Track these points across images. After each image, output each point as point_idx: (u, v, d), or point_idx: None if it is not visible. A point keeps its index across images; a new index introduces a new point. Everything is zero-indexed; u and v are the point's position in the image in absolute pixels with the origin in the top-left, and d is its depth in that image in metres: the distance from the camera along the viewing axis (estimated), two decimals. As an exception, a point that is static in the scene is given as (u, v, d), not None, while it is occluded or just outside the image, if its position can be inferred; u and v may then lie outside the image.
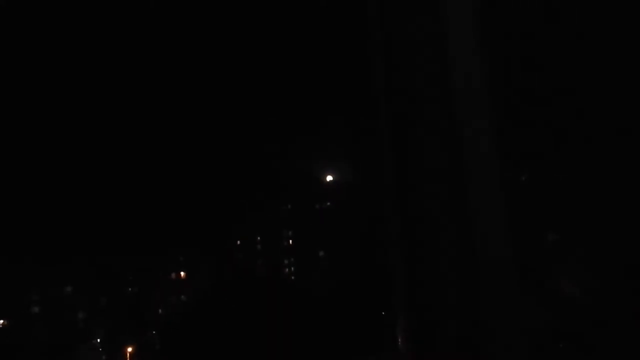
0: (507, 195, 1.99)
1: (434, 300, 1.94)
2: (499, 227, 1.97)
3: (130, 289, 38.19)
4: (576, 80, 2.59)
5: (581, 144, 2.64)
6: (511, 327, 1.90)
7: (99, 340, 35.78)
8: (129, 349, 34.36)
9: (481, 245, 1.94)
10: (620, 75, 2.49)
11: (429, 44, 2.07)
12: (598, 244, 2.54)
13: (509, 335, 1.90)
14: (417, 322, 1.96)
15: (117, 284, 37.77)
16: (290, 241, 39.65)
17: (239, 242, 40.08)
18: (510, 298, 1.92)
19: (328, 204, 37.19)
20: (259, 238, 40.22)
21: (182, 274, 38.99)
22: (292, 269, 38.96)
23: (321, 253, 37.40)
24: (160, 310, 37.35)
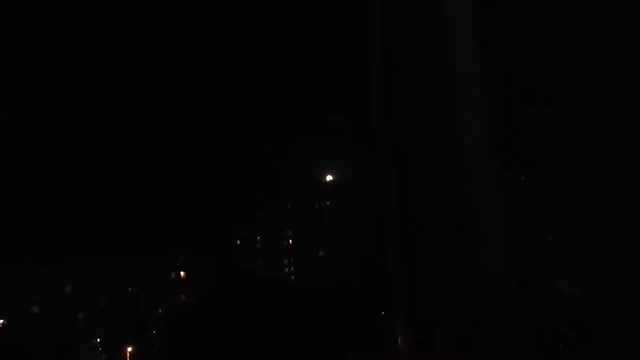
0: (506, 196, 1.99)
1: (433, 300, 1.94)
2: (498, 227, 1.97)
3: (130, 289, 38.19)
4: (575, 81, 2.59)
5: (580, 145, 2.64)
6: (510, 327, 1.90)
7: (98, 340, 35.77)
8: (129, 349, 34.36)
9: (480, 245, 1.94)
10: (620, 76, 2.49)
11: (429, 44, 2.07)
12: (597, 244, 2.55)
13: (508, 335, 1.90)
14: (417, 322, 1.97)
15: (117, 284, 37.77)
16: (290, 241, 39.65)
17: (238, 242, 40.08)
18: (509, 298, 1.92)
19: (328, 203, 37.19)
20: (258, 238, 40.22)
21: (182, 273, 38.98)
22: (292, 268, 38.96)
23: (321, 253, 37.40)
24: (160, 310, 37.34)
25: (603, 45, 2.47)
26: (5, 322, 35.28)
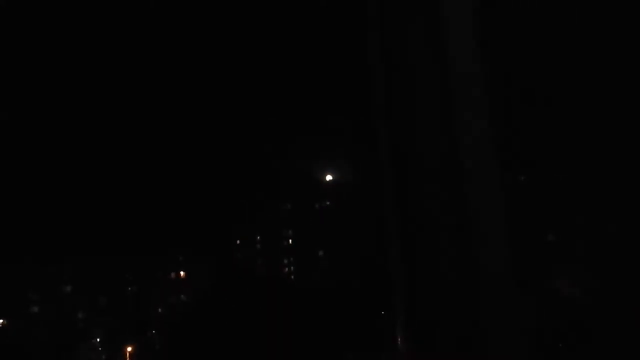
0: (506, 196, 1.99)
1: (433, 300, 1.94)
2: (498, 227, 1.97)
3: (130, 289, 38.21)
4: (575, 81, 2.59)
5: (580, 145, 2.64)
6: (510, 327, 1.90)
7: (98, 339, 35.78)
8: (129, 349, 34.37)
9: (480, 245, 1.94)
10: (620, 76, 2.49)
11: (429, 44, 2.07)
12: (597, 244, 2.55)
13: (508, 335, 1.90)
14: (417, 322, 1.97)
15: (117, 284, 37.78)
16: (290, 241, 39.66)
17: (238, 241, 40.09)
18: (509, 298, 1.92)
19: (328, 203, 37.20)
20: (258, 237, 40.24)
21: (182, 273, 39.00)
22: (292, 268, 38.97)
23: (321, 253, 37.41)
24: (159, 310, 37.35)
25: (603, 45, 2.47)
26: (5, 322, 35.30)
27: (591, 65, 2.52)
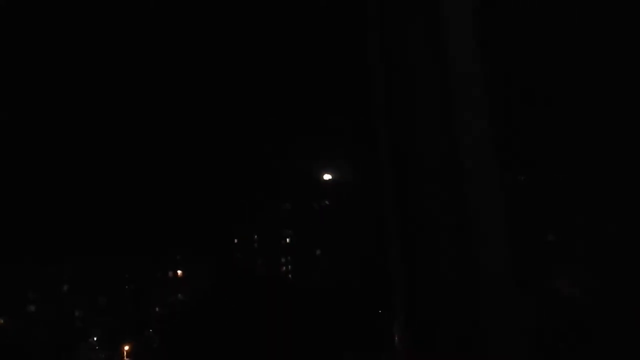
0: (506, 196, 1.99)
1: (433, 300, 1.94)
2: (498, 227, 1.97)
3: (128, 288, 38.24)
4: (575, 81, 2.59)
5: (580, 145, 2.64)
6: (510, 327, 1.90)
7: (95, 338, 35.81)
8: (127, 348, 34.40)
9: (480, 245, 1.94)
10: (620, 76, 2.49)
11: (429, 44, 2.07)
12: (597, 244, 2.55)
13: (508, 336, 1.90)
14: (417, 322, 1.97)
15: (116, 284, 37.81)
16: (289, 240, 39.70)
17: (236, 241, 40.13)
18: (509, 298, 1.92)
19: (328, 203, 37.22)
20: (256, 237, 40.28)
21: (180, 272, 39.03)
22: (291, 267, 39.00)
23: (320, 252, 37.44)
24: (157, 309, 37.37)
25: (603, 44, 2.47)
26: (4, 322, 35.32)
27: (591, 65, 2.52)
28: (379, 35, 2.14)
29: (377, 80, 2.15)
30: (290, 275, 38.96)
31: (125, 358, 34.48)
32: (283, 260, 39.74)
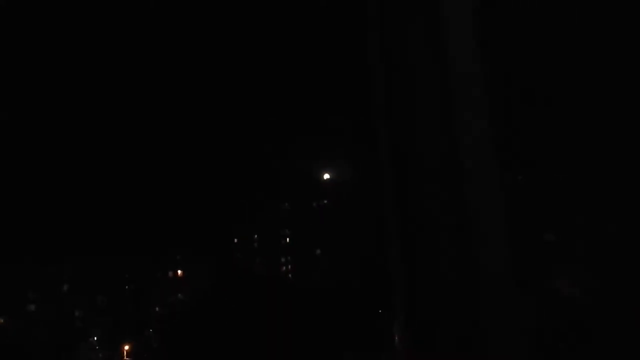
0: (506, 196, 1.99)
1: (433, 300, 1.94)
2: (498, 227, 1.97)
3: (128, 288, 38.24)
4: (575, 81, 2.59)
5: (580, 145, 2.64)
6: (510, 327, 1.90)
7: (95, 338, 35.81)
8: (127, 347, 34.40)
9: (480, 245, 1.94)
10: (620, 75, 2.49)
11: (429, 44, 2.07)
12: (597, 244, 2.55)
13: (508, 336, 1.90)
14: (417, 322, 1.97)
15: (116, 283, 37.82)
16: (288, 240, 39.69)
17: (236, 241, 40.13)
18: (509, 298, 1.92)
19: (327, 203, 37.22)
20: (256, 237, 40.27)
21: (180, 272, 39.03)
22: (291, 267, 39.00)
23: (320, 252, 37.44)
24: (157, 309, 37.37)
25: (603, 44, 2.47)
26: (4, 322, 35.32)
27: (592, 65, 2.52)
28: (379, 35, 2.14)
29: (377, 80, 2.15)
30: (290, 275, 38.97)
31: (125, 358, 34.50)
32: (283, 260, 39.75)
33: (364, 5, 2.22)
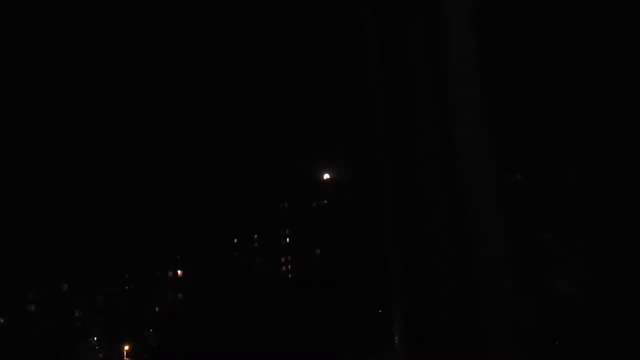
0: (505, 196, 1.99)
1: (433, 300, 1.95)
2: (497, 227, 1.97)
3: (127, 287, 38.24)
4: (575, 81, 2.59)
5: (580, 145, 2.64)
6: (509, 327, 1.90)
7: (95, 338, 35.80)
8: (127, 347, 34.39)
9: (480, 245, 1.94)
10: (620, 75, 2.49)
11: (428, 44, 2.07)
12: (595, 243, 2.55)
13: (507, 335, 1.90)
14: (417, 321, 1.97)
15: (115, 283, 37.81)
16: (288, 239, 39.68)
17: (236, 240, 40.12)
18: (508, 298, 1.92)
19: (327, 203, 37.21)
20: (256, 237, 40.26)
21: (180, 272, 39.01)
22: (290, 267, 38.99)
23: (319, 252, 37.43)
24: (157, 309, 37.36)
25: (604, 44, 2.48)
26: (4, 322, 35.31)
27: (592, 65, 2.53)
28: (378, 36, 2.14)
29: (376, 81, 2.15)
30: (289, 275, 38.95)
31: (125, 358, 34.49)
32: (283, 259, 39.74)
33: (363, 6, 2.22)
